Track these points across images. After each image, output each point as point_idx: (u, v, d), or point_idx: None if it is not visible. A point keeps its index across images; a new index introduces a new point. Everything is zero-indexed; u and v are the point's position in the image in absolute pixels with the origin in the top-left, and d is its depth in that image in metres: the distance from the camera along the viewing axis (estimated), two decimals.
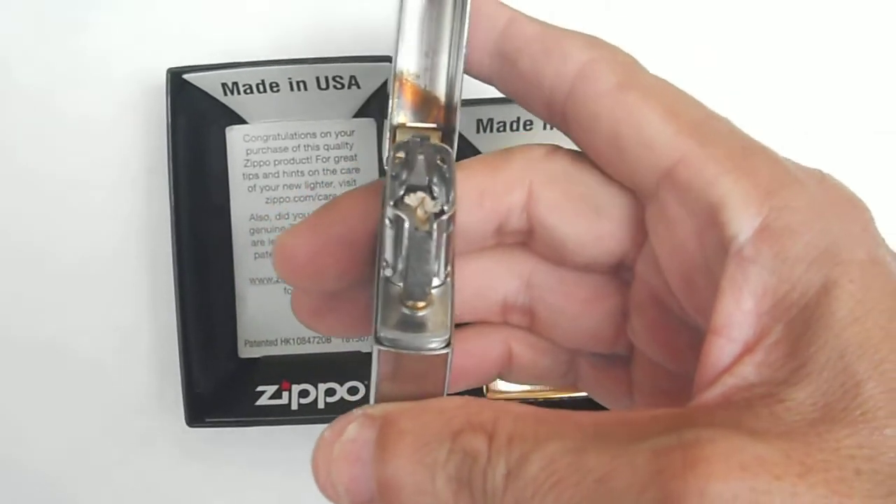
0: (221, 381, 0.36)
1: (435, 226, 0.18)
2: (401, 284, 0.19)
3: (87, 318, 0.38)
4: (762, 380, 0.18)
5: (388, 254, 0.19)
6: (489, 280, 0.24)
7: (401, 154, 0.20)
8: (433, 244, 0.18)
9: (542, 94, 0.22)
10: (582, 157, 0.23)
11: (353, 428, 0.19)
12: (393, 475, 0.18)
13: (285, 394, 0.36)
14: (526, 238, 0.24)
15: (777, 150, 0.20)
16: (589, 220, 0.23)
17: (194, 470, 0.38)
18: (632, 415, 0.18)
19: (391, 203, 0.19)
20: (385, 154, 0.21)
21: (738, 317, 0.18)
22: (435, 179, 0.19)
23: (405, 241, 0.18)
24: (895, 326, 0.17)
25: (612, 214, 0.22)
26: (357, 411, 0.20)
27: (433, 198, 0.19)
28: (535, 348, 0.25)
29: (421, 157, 0.19)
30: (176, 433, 0.37)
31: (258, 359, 0.37)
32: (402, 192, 0.19)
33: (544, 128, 0.35)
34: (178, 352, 0.35)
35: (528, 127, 0.35)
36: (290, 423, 0.35)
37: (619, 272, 0.23)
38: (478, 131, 0.35)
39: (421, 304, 0.19)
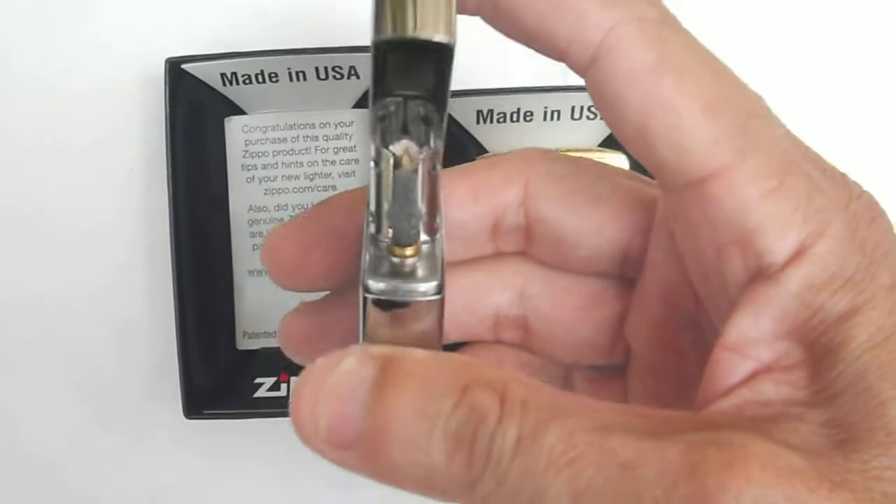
0: (219, 373, 0.36)
1: (420, 164, 0.18)
2: (387, 240, 0.18)
3: (84, 310, 0.38)
4: (782, 398, 0.17)
5: (374, 204, 0.19)
6: (481, 293, 0.24)
7: (384, 117, 0.19)
8: (418, 183, 0.18)
9: (554, 51, 0.19)
10: (580, 158, 0.23)
11: (350, 361, 0.18)
12: (386, 421, 0.17)
13: (283, 386, 0.36)
14: (524, 241, 0.23)
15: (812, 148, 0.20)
16: (589, 209, 0.22)
17: (192, 462, 0.38)
18: (645, 409, 0.17)
19: (375, 146, 0.18)
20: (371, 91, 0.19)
21: (753, 335, 0.18)
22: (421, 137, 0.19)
23: (390, 183, 0.18)
24: None
25: (614, 203, 0.22)
26: (356, 347, 0.18)
27: (419, 146, 0.18)
28: (530, 368, 0.25)
29: (404, 121, 0.19)
30: (174, 425, 0.37)
31: (256, 350, 0.37)
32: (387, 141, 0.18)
33: (544, 119, 0.35)
34: (176, 343, 0.35)
35: (528, 118, 0.35)
36: (288, 415, 0.35)
37: (623, 267, 0.23)
38: (478, 122, 0.35)
39: (409, 251, 0.18)
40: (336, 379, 0.17)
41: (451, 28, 0.17)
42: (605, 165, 0.23)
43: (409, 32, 0.17)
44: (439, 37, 0.17)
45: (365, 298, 0.18)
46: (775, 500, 0.15)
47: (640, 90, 0.18)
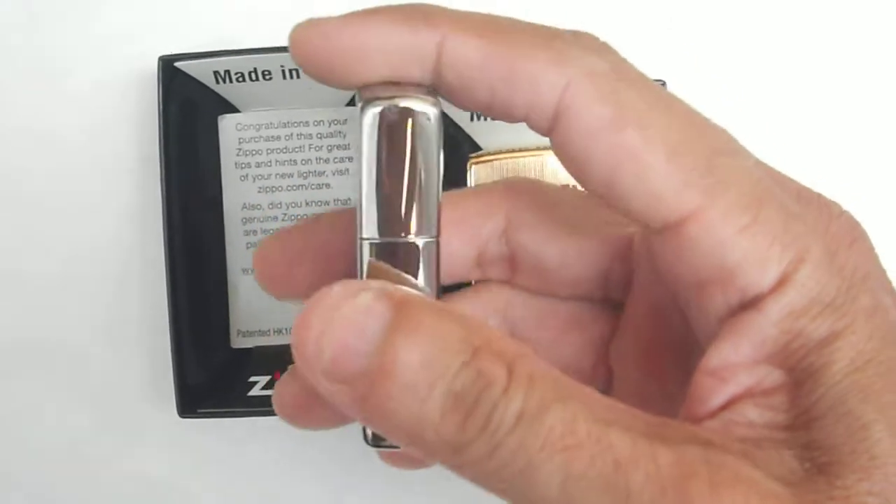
0: (214, 372, 0.36)
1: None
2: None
3: (78, 309, 0.38)
4: (764, 422, 0.18)
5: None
6: None
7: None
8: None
9: (515, 119, 0.19)
10: (562, 187, 0.23)
11: (367, 297, 0.17)
12: (392, 363, 0.16)
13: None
14: (509, 269, 0.24)
15: (780, 169, 0.20)
16: (570, 236, 0.23)
17: (186, 460, 0.38)
18: (641, 412, 0.17)
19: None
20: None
21: (733, 360, 0.18)
22: None
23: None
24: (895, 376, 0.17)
25: (594, 229, 0.23)
26: (375, 283, 0.18)
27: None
28: None
29: None
30: (168, 424, 0.37)
31: (251, 349, 0.37)
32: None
33: None
34: (171, 342, 0.35)
35: None
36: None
37: (605, 291, 0.23)
38: (472, 119, 0.35)
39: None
40: (350, 310, 0.17)
41: (436, 225, 0.19)
42: (588, 194, 0.24)
43: (399, 235, 0.19)
44: (425, 238, 0.19)
45: (361, 245, 0.19)
46: None
47: (602, 146, 0.18)
